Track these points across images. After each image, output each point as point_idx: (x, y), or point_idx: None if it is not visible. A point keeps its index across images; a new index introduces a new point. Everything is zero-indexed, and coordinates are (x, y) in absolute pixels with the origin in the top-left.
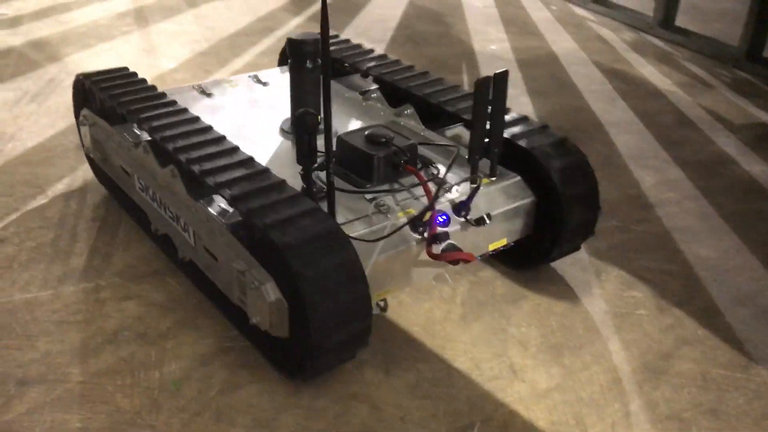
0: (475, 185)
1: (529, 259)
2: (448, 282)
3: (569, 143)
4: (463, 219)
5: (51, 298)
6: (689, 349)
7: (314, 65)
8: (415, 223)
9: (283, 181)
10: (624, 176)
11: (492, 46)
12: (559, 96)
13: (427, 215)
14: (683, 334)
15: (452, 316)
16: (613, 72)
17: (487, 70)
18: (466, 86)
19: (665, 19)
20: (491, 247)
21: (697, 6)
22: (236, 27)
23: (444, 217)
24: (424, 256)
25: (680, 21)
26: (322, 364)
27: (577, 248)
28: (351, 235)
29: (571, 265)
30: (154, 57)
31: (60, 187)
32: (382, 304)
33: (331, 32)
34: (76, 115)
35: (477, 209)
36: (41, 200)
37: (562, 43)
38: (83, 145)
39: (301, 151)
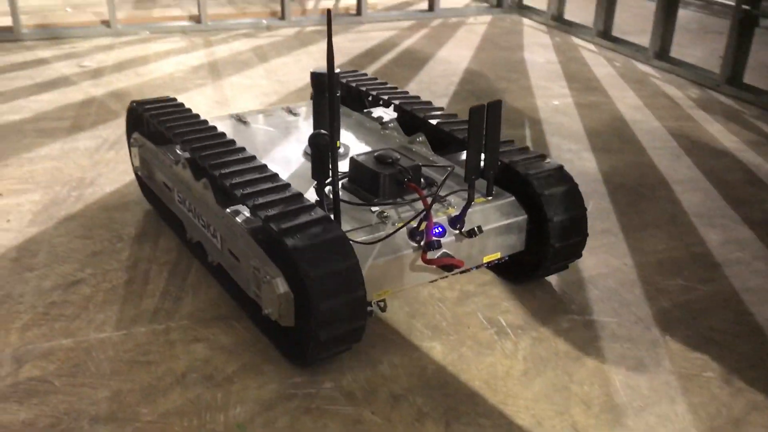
0: (467, 201)
1: (520, 274)
2: (509, 335)
3: (563, 172)
4: (457, 231)
5: (123, 339)
6: (760, 415)
7: (333, 95)
8: (414, 233)
9: (299, 194)
10: (689, 234)
11: (555, 102)
12: (623, 152)
13: (423, 225)
14: (754, 399)
15: (514, 372)
16: (678, 129)
17: (549, 127)
18: (529, 141)
19: (732, 76)
20: (485, 259)
21: (765, 63)
22: (305, 81)
23: (440, 228)
24: (419, 261)
25: (748, 78)
26: (321, 353)
27: (565, 267)
28: (352, 239)
29: (635, 323)
30: (226, 108)
31: (134, 232)
32: (381, 304)
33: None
34: (128, 139)
35: (472, 224)
36: (117, 244)
37: (625, 99)
38: (133, 165)
39: (314, 167)
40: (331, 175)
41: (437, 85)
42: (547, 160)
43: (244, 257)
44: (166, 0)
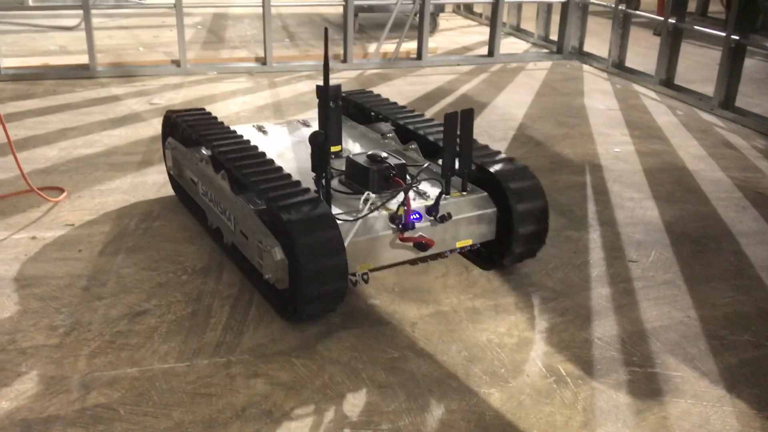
0: (441, 193)
1: (491, 260)
2: (568, 384)
3: (527, 171)
4: (432, 218)
5: (186, 370)
6: None
7: (335, 105)
8: (394, 218)
9: (297, 182)
10: (757, 288)
11: (616, 149)
12: (686, 202)
13: (401, 210)
14: None
15: (573, 423)
16: (744, 180)
17: (610, 174)
18: (589, 188)
19: None
20: (458, 245)
21: None
22: None
23: (417, 214)
24: (397, 240)
25: None
26: (309, 309)
27: (533, 255)
28: (338, 218)
29: (700, 378)
30: None
31: (199, 265)
32: (365, 277)
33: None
34: (163, 143)
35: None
36: (182, 276)
37: (688, 148)
38: (166, 165)
39: (313, 161)
40: (330, 171)
41: (496, 129)
42: (515, 162)
43: (252, 234)
44: (234, 42)
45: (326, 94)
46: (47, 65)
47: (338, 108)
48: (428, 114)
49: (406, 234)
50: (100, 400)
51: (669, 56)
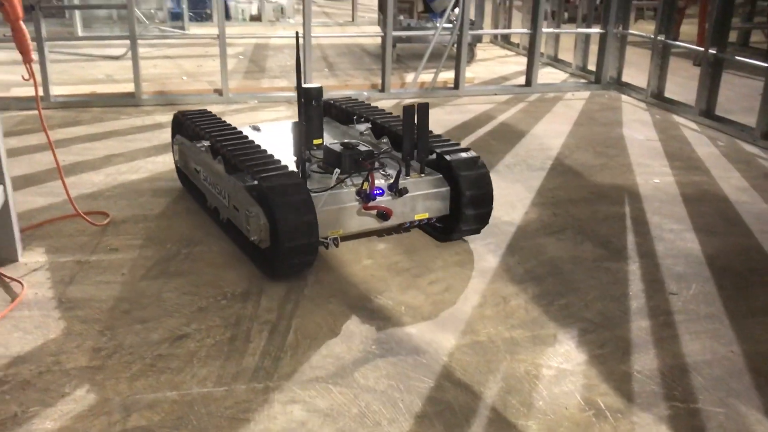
0: (399, 171)
1: (443, 233)
2: (607, 418)
3: (479, 161)
4: (392, 193)
5: (224, 395)
6: None
7: (317, 103)
8: (359, 192)
9: (278, 161)
10: None
11: (655, 180)
12: (728, 235)
13: (365, 185)
14: None
15: None
16: None
17: (650, 205)
18: (628, 219)
19: None
20: (417, 217)
21: None
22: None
23: (380, 190)
24: (361, 210)
25: None
26: (287, 263)
27: (477, 232)
28: (310, 189)
29: (745, 416)
30: None
31: (238, 290)
32: (336, 242)
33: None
34: (172, 140)
35: (406, 190)
36: (221, 301)
37: (730, 180)
38: (174, 159)
39: (294, 146)
40: (300, 148)
41: (534, 158)
42: (470, 152)
43: (241, 206)
44: (274, 71)
45: (301, 94)
46: (95, 93)
47: (319, 106)
48: (466, 143)
49: (370, 204)
50: (141, 422)
51: (709, 87)
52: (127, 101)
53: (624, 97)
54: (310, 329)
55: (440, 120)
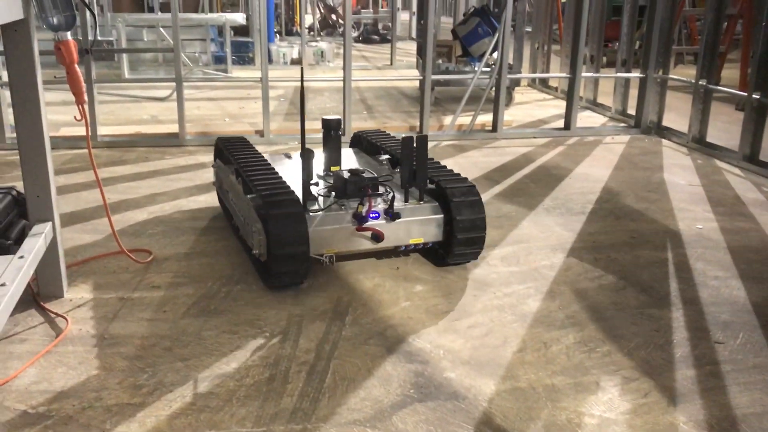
0: (393, 197)
1: (439, 258)
2: None
3: (474, 189)
4: (387, 216)
5: None
6: None
7: (335, 133)
8: (356, 215)
9: (286, 185)
10: None
11: (698, 225)
12: None
13: (360, 208)
14: None
15: None
16: None
17: (693, 252)
18: (671, 265)
19: None
20: (412, 241)
21: None
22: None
23: (375, 214)
24: (354, 232)
25: None
26: (277, 273)
27: (474, 258)
28: (309, 210)
29: None
30: None
31: (277, 330)
32: (331, 260)
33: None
34: (213, 162)
35: (401, 216)
36: (260, 340)
37: None
38: (212, 181)
39: (302, 172)
40: (308, 176)
41: (573, 202)
42: (466, 182)
43: (250, 222)
44: (314, 113)
45: (303, 120)
46: (140, 133)
47: (338, 136)
48: (504, 185)
49: (363, 225)
50: None
51: (753, 131)
52: (171, 141)
53: (665, 141)
54: (348, 371)
55: (478, 162)
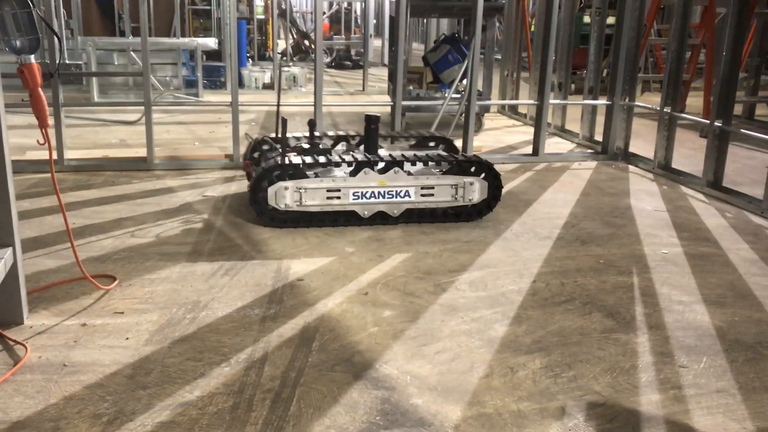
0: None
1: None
2: None
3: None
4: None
5: None
6: None
7: (374, 126)
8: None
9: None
10: None
11: (664, 251)
12: (738, 307)
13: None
14: None
15: None
16: None
17: (658, 276)
18: (636, 290)
19: None
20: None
21: None
22: None
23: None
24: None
25: None
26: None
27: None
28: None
29: None
30: (334, 240)
31: (242, 357)
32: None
33: (496, 224)
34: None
35: None
36: (225, 368)
37: (739, 251)
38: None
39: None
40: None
41: (541, 227)
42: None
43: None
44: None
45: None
46: (107, 157)
47: (377, 128)
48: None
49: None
50: None
51: (716, 158)
52: (139, 165)
53: (631, 167)
54: (313, 398)
55: None
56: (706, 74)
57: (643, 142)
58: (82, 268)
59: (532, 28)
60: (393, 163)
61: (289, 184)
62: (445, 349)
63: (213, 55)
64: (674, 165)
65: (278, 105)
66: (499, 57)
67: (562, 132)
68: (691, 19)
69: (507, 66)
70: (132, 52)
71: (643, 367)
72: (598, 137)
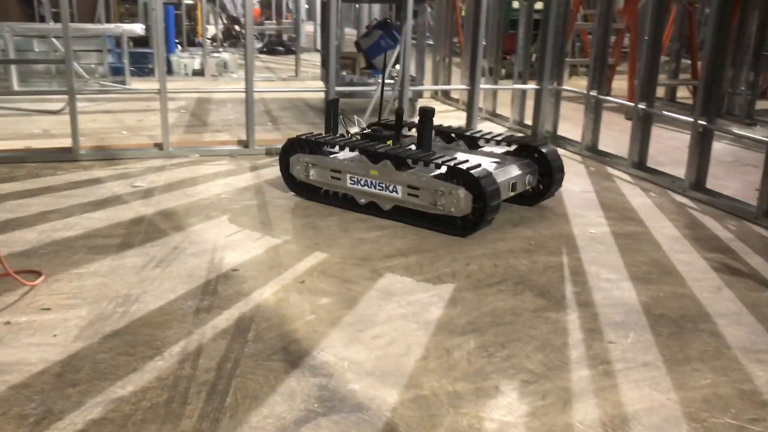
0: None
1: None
2: None
3: None
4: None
5: None
6: None
7: (430, 120)
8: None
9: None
10: (735, 370)
11: (591, 230)
12: (662, 283)
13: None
14: None
15: None
16: (718, 260)
17: (587, 255)
18: (566, 269)
19: None
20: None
21: None
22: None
23: None
24: None
25: None
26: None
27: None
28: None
29: None
30: (269, 227)
31: (176, 350)
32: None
33: None
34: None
35: None
36: (158, 361)
37: (663, 229)
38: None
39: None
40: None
41: None
42: None
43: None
44: (216, 125)
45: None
46: (30, 148)
47: (431, 121)
48: None
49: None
50: None
51: (640, 140)
52: (64, 156)
53: (560, 150)
54: (250, 388)
55: None
56: (630, 58)
57: (572, 125)
58: (5, 264)
59: (463, 14)
60: None
61: None
62: (382, 334)
63: (140, 41)
64: (601, 147)
65: (382, 90)
66: (431, 42)
67: (494, 116)
68: (615, 3)
69: (439, 51)
70: (53, 39)
71: (574, 344)
72: (528, 121)
